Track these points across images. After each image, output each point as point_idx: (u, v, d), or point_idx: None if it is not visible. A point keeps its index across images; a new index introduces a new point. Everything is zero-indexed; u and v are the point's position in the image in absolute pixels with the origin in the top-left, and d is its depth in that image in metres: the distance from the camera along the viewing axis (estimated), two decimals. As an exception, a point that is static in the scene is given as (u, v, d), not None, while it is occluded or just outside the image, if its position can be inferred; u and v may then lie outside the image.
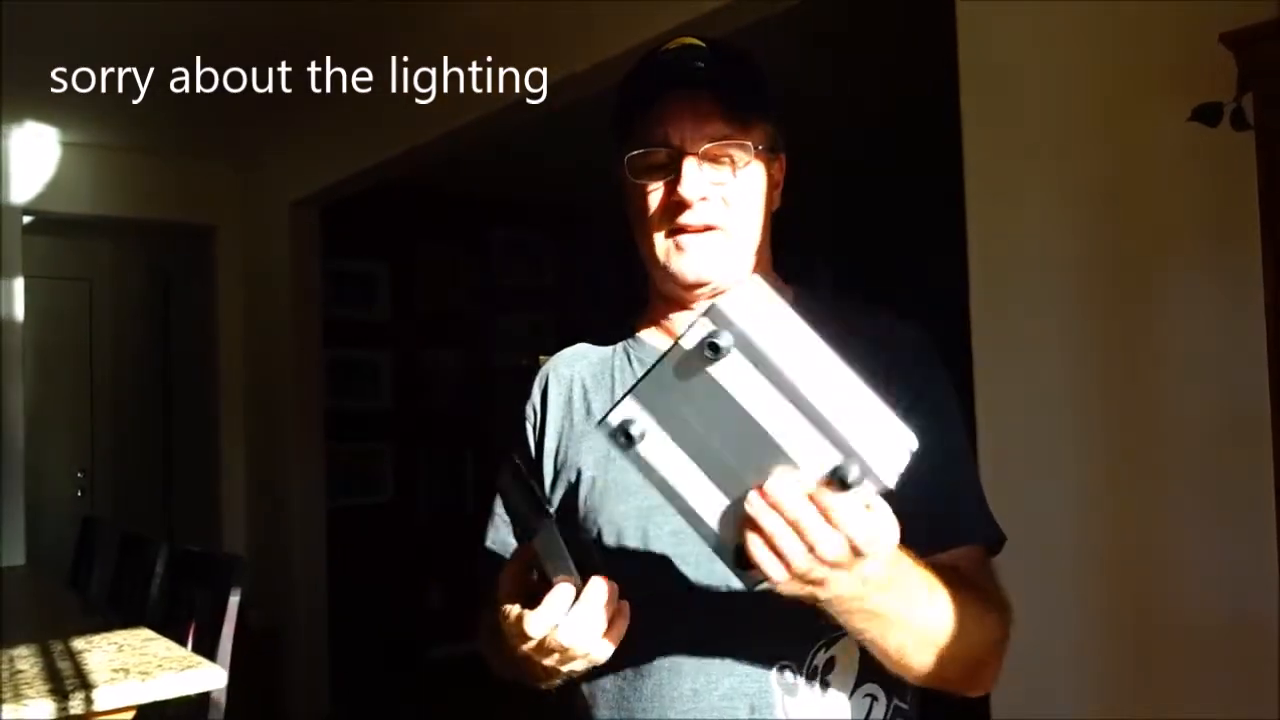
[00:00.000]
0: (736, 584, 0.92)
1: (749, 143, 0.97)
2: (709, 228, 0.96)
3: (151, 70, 3.85)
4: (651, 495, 0.94)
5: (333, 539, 4.88)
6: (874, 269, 6.20)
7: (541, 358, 1.17)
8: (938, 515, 0.81)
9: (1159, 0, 1.67)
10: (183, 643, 2.42)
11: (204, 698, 2.24)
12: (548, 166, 5.12)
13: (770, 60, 1.04)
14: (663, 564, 0.96)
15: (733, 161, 0.97)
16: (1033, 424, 1.84)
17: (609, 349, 1.10)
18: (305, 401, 4.79)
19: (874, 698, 0.94)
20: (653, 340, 1.06)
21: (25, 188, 4.59)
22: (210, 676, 2.06)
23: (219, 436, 5.17)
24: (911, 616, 0.79)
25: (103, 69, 3.82)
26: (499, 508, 1.15)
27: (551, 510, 0.88)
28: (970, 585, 0.86)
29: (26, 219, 4.68)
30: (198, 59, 3.73)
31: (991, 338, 1.92)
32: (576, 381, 1.09)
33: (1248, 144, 1.41)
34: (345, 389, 5.37)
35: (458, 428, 5.77)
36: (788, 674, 0.92)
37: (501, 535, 1.16)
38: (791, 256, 1.06)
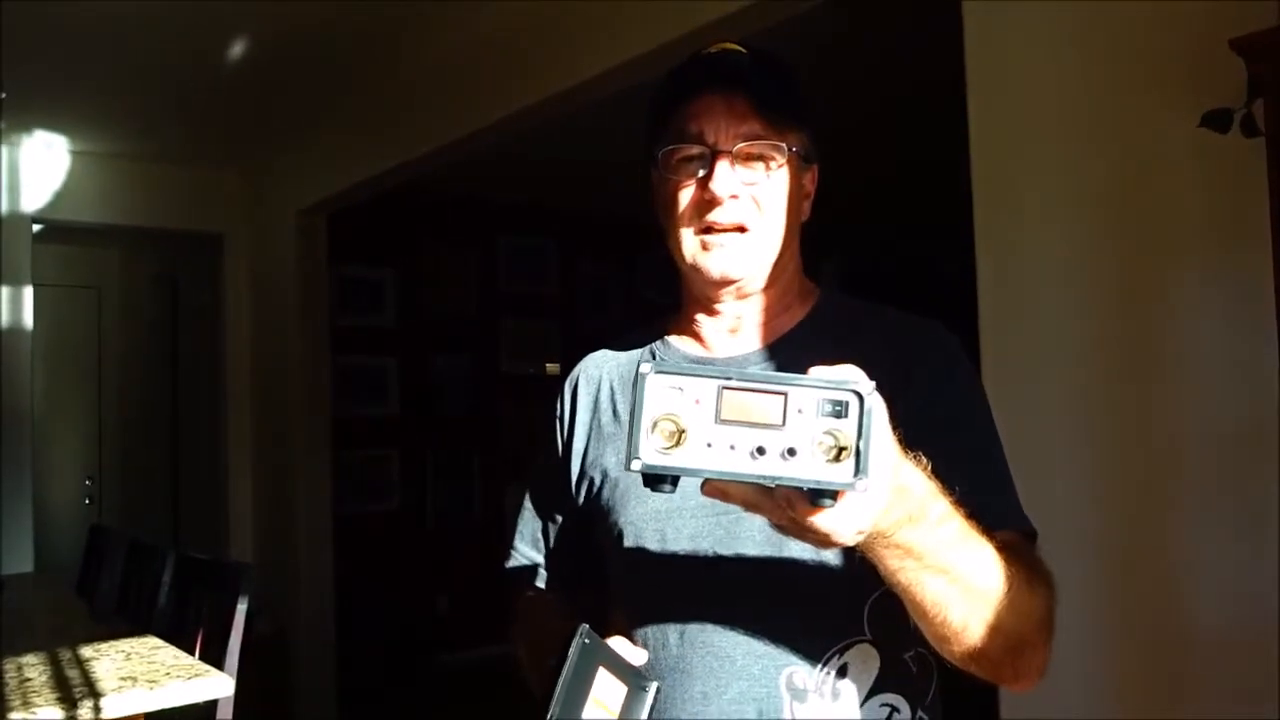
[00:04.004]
0: (750, 588, 0.94)
1: (783, 144, 0.97)
2: (738, 227, 0.97)
3: (160, 79, 3.88)
4: (670, 499, 0.95)
5: (340, 545, 4.88)
6: (881, 272, 6.23)
7: (549, 365, 1.19)
8: (977, 500, 0.79)
9: (1168, 3, 1.66)
10: (191, 650, 2.42)
11: (211, 705, 2.24)
12: (554, 173, 5.13)
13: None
14: (678, 566, 0.97)
15: (766, 162, 0.97)
16: (1042, 428, 1.83)
17: (636, 351, 1.11)
18: (313, 408, 4.80)
19: (894, 708, 0.93)
20: (681, 345, 1.07)
21: (35, 196, 4.62)
22: (217, 684, 2.06)
23: (227, 443, 5.18)
24: (948, 560, 0.75)
25: (111, 78, 3.85)
26: (524, 509, 1.18)
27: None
28: (1017, 554, 0.83)
29: (36, 227, 4.70)
30: (205, 67, 3.76)
31: (1000, 342, 1.91)
32: (604, 382, 1.10)
33: (1258, 150, 1.41)
34: (353, 396, 5.38)
35: (466, 433, 5.78)
36: (797, 679, 0.92)
37: (525, 548, 1.17)
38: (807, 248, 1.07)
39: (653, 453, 0.64)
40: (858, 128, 4.32)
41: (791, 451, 0.63)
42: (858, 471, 0.63)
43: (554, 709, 0.86)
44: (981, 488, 0.89)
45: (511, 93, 3.27)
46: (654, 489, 0.67)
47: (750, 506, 0.68)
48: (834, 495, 0.64)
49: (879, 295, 1.12)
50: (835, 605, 0.92)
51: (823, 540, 0.67)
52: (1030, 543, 0.94)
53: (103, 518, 5.84)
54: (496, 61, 3.36)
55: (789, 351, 1.01)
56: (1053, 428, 1.82)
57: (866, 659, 0.92)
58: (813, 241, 1.12)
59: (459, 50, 3.51)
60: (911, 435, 0.87)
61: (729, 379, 0.65)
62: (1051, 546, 1.74)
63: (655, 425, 0.64)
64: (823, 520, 0.65)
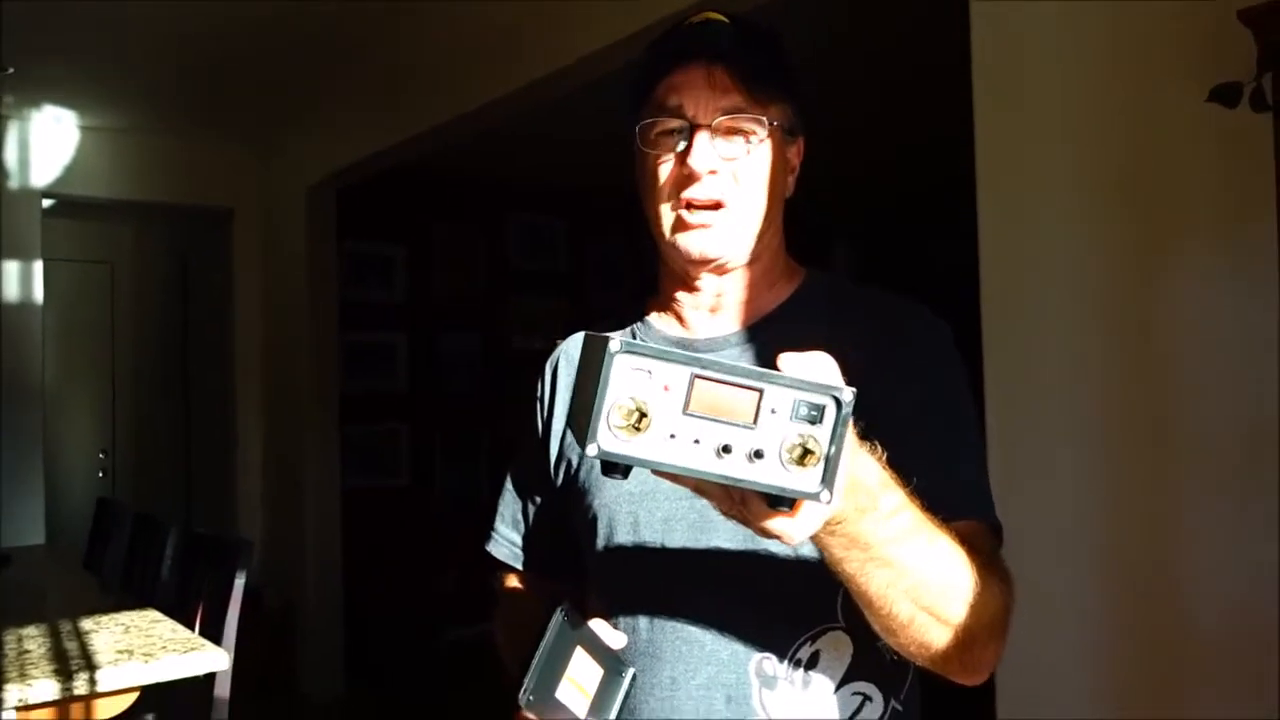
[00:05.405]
0: (722, 573, 0.92)
1: (764, 118, 0.94)
2: (716, 204, 0.94)
3: (167, 52, 3.86)
4: (644, 482, 0.93)
5: (348, 521, 4.90)
6: (885, 255, 6.18)
7: (557, 341, 1.18)
8: (935, 485, 0.77)
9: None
10: (191, 625, 2.43)
11: (210, 679, 2.24)
12: (564, 150, 5.09)
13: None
14: (650, 550, 0.95)
15: (746, 136, 0.94)
16: (1043, 415, 1.80)
17: (618, 332, 1.09)
18: (321, 383, 4.81)
19: (866, 697, 0.91)
20: (661, 325, 1.05)
21: (44, 171, 4.62)
22: (213, 659, 2.07)
23: (236, 418, 5.21)
24: (896, 554, 0.73)
25: (117, 53, 3.84)
26: (506, 491, 1.17)
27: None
28: (975, 548, 0.81)
29: (47, 202, 4.71)
30: (215, 42, 3.74)
31: (1002, 326, 1.88)
32: None
33: (1267, 125, 1.37)
34: (362, 371, 5.39)
35: (474, 411, 5.78)
36: (767, 666, 0.90)
37: (506, 529, 1.16)
38: (808, 238, 1.04)
39: (611, 438, 0.61)
40: (872, 111, 4.27)
41: (759, 454, 0.60)
42: (823, 480, 0.60)
43: (528, 682, 0.84)
44: (950, 476, 0.88)
45: (521, 66, 3.25)
46: (606, 474, 0.64)
47: (699, 492, 0.65)
48: (792, 501, 0.62)
49: (890, 279, 1.09)
50: (808, 592, 0.90)
51: (771, 538, 0.65)
52: (994, 536, 0.91)
53: (116, 491, 5.88)
54: (505, 34, 3.32)
55: (772, 332, 0.98)
56: (1053, 413, 1.79)
57: (839, 647, 0.90)
58: (826, 225, 1.09)
59: (468, 22, 3.47)
60: (888, 419, 0.85)
61: (703, 368, 0.61)
62: (1051, 538, 1.73)
63: (617, 408, 0.60)
64: (775, 524, 0.63)
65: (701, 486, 0.64)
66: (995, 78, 1.90)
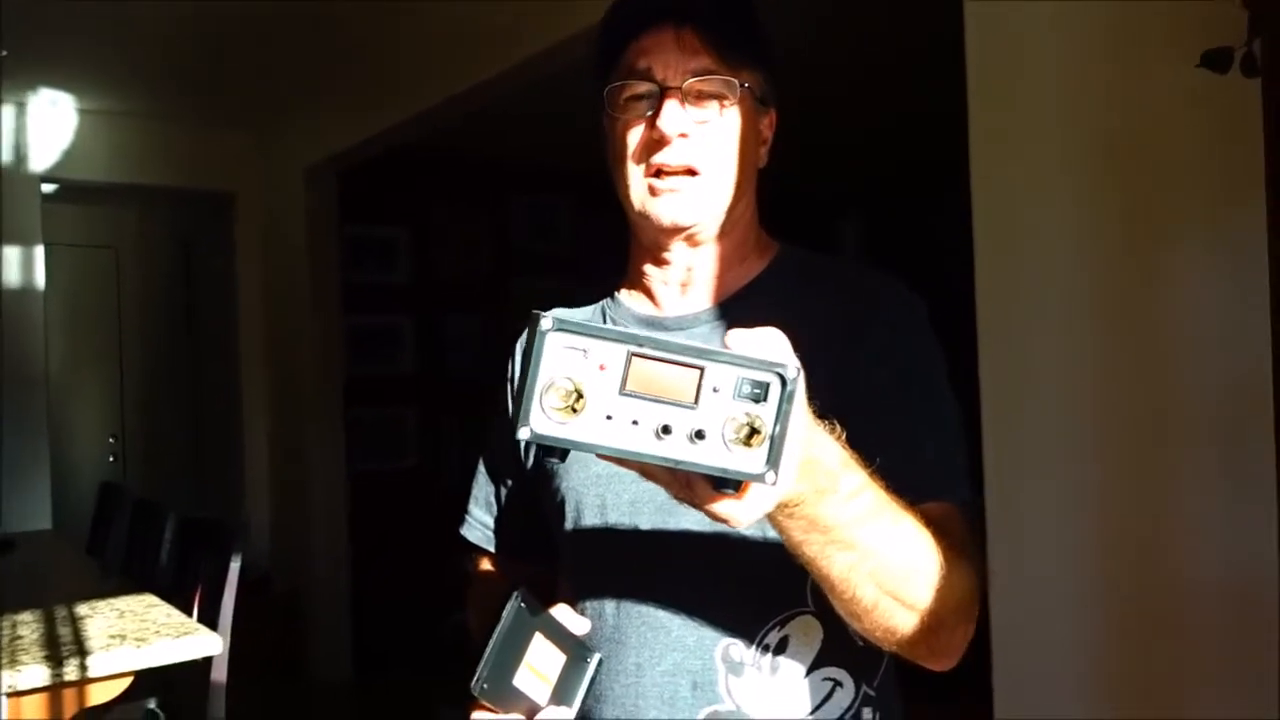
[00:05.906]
0: (690, 556, 0.90)
1: (735, 81, 0.91)
2: (688, 170, 0.91)
3: (164, 34, 3.84)
4: (610, 464, 0.92)
5: (356, 505, 4.90)
6: (877, 234, 6.12)
7: None
8: (905, 465, 0.75)
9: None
10: (189, 609, 2.43)
11: (207, 663, 2.25)
12: (564, 129, 5.05)
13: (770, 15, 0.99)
14: (616, 534, 0.93)
15: (719, 101, 0.91)
16: (1038, 407, 1.76)
17: (589, 309, 1.08)
18: (326, 368, 4.81)
19: (837, 683, 0.90)
20: (630, 303, 1.03)
21: (43, 155, 4.61)
22: (207, 643, 2.07)
23: (241, 404, 5.21)
24: (857, 536, 0.71)
25: (114, 35, 3.81)
26: (479, 474, 1.16)
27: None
28: (943, 530, 0.79)
29: (50, 187, 4.70)
30: (213, 25, 3.71)
31: (997, 316, 1.84)
32: None
33: (1260, 105, 1.33)
34: (367, 356, 5.38)
35: (480, 392, 5.76)
36: (734, 652, 0.88)
37: (480, 512, 1.15)
38: (813, 215, 1.01)
39: (545, 420, 0.59)
40: (874, 86, 4.21)
41: (700, 434, 0.58)
42: (769, 461, 0.58)
43: (481, 670, 0.82)
44: (921, 455, 0.86)
45: (518, 43, 3.21)
46: (545, 456, 0.63)
47: (647, 476, 0.64)
48: (738, 483, 0.60)
49: (895, 257, 1.06)
50: (777, 575, 0.87)
51: (720, 521, 0.63)
52: (969, 516, 0.89)
53: (127, 476, 5.91)
54: (502, 11, 3.28)
55: (744, 308, 0.96)
56: (1049, 404, 1.75)
57: (809, 632, 0.89)
58: (830, 202, 1.07)
59: (465, 1, 3.43)
60: (859, 395, 0.83)
61: (640, 346, 0.59)
62: (1046, 529, 1.70)
63: (551, 388, 0.59)
64: (722, 507, 0.62)
65: (647, 469, 0.62)
66: (988, 68, 1.86)
